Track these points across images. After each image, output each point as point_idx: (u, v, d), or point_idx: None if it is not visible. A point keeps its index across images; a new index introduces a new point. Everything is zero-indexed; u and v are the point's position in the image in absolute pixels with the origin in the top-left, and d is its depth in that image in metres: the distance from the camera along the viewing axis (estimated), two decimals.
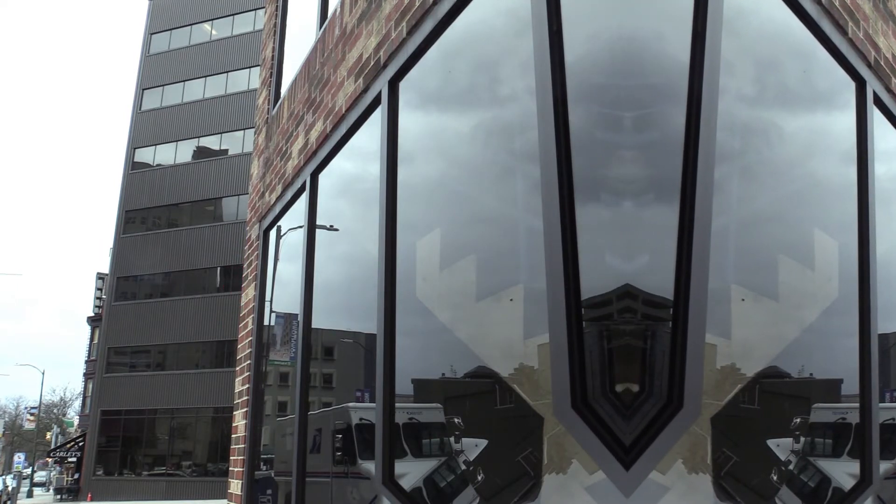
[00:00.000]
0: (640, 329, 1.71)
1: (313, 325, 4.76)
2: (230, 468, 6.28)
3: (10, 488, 36.14)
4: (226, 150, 38.21)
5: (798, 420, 2.35)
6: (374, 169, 3.85)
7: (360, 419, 3.93)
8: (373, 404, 3.53)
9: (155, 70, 40.78)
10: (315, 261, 4.85)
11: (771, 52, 2.37)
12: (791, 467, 2.14)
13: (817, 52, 2.94)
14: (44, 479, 55.99)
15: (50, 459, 52.80)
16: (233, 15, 39.46)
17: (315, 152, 4.92)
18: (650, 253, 1.74)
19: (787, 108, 2.66)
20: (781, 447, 2.16)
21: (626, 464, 1.65)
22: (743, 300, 1.84)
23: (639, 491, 1.62)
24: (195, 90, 39.46)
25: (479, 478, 2.83)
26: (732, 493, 1.67)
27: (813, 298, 2.58)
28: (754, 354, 1.90)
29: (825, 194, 2.91)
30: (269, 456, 5.64)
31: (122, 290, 37.96)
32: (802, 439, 2.30)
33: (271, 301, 5.92)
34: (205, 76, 39.25)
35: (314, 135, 4.95)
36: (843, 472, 2.48)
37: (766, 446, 1.89)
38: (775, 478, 2.07)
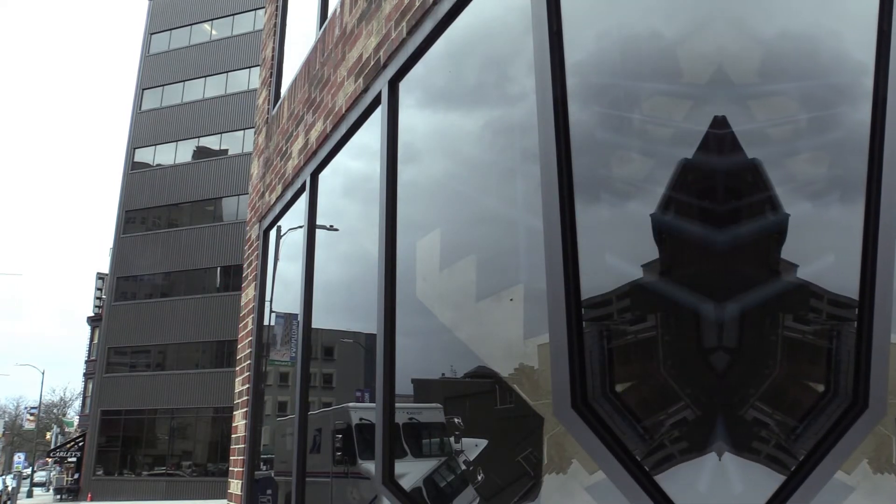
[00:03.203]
0: (825, 329, 1.73)
1: (313, 325, 4.76)
2: (230, 468, 6.28)
3: (10, 488, 36.11)
4: (226, 150, 38.21)
5: None
6: (374, 168, 3.85)
7: (360, 419, 3.93)
8: (373, 404, 3.53)
9: (155, 70, 40.78)
10: (315, 261, 4.85)
11: None
12: None
13: None
14: (44, 479, 55.97)
15: (50, 459, 52.81)
16: (233, 15, 39.46)
17: (315, 152, 4.92)
18: (835, 253, 1.75)
19: None
20: None
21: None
22: None
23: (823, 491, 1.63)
24: (195, 90, 39.46)
25: (479, 478, 2.83)
26: None
27: None
28: None
29: None
30: (269, 456, 5.64)
31: (122, 290, 37.95)
32: None
33: (271, 301, 5.92)
34: (205, 76, 39.25)
35: (314, 135, 4.95)
36: None
37: None
38: None
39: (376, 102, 3.95)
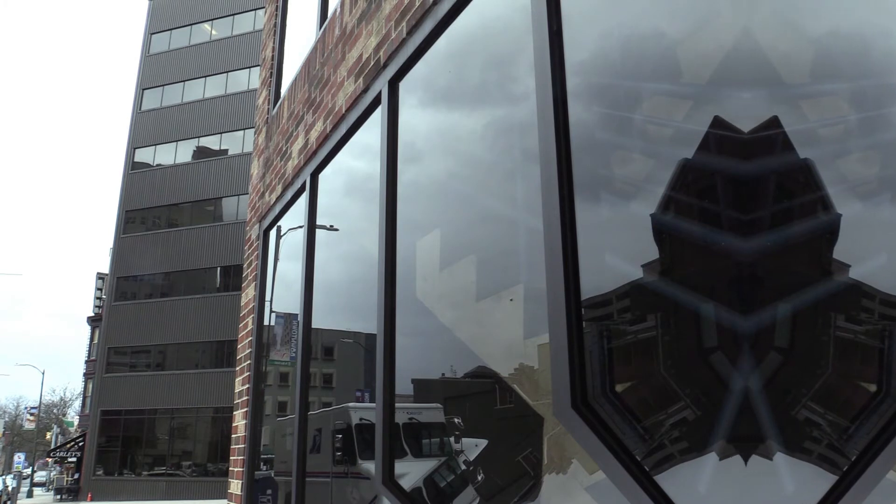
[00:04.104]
0: (877, 329, 1.73)
1: (313, 325, 4.76)
2: (230, 468, 6.28)
3: (10, 488, 36.13)
4: (226, 150, 38.21)
5: None
6: (375, 168, 3.85)
7: (360, 419, 3.93)
8: (373, 404, 3.53)
9: (155, 70, 40.79)
10: (315, 261, 4.85)
11: None
12: None
13: None
14: (44, 479, 55.99)
15: (50, 459, 52.78)
16: (233, 15, 39.47)
17: (315, 152, 4.92)
18: (887, 252, 1.76)
19: None
20: None
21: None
22: None
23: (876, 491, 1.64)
24: (195, 90, 39.47)
25: (479, 478, 2.83)
26: None
27: None
28: None
29: None
30: (269, 456, 5.64)
31: (122, 290, 37.96)
32: None
33: (271, 301, 5.92)
34: (205, 76, 39.26)
35: (314, 135, 4.95)
36: None
37: None
38: None
39: (376, 102, 3.95)
